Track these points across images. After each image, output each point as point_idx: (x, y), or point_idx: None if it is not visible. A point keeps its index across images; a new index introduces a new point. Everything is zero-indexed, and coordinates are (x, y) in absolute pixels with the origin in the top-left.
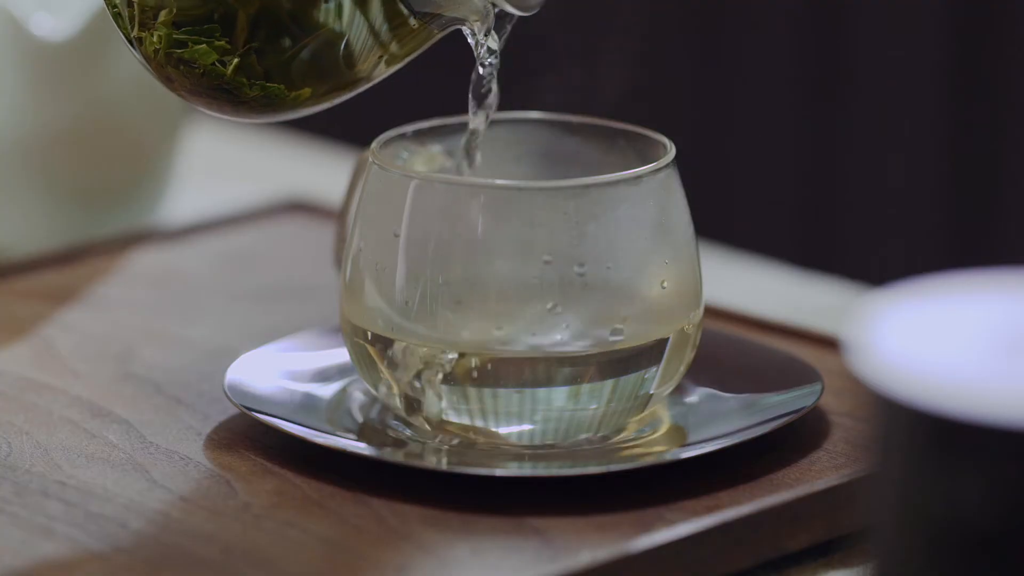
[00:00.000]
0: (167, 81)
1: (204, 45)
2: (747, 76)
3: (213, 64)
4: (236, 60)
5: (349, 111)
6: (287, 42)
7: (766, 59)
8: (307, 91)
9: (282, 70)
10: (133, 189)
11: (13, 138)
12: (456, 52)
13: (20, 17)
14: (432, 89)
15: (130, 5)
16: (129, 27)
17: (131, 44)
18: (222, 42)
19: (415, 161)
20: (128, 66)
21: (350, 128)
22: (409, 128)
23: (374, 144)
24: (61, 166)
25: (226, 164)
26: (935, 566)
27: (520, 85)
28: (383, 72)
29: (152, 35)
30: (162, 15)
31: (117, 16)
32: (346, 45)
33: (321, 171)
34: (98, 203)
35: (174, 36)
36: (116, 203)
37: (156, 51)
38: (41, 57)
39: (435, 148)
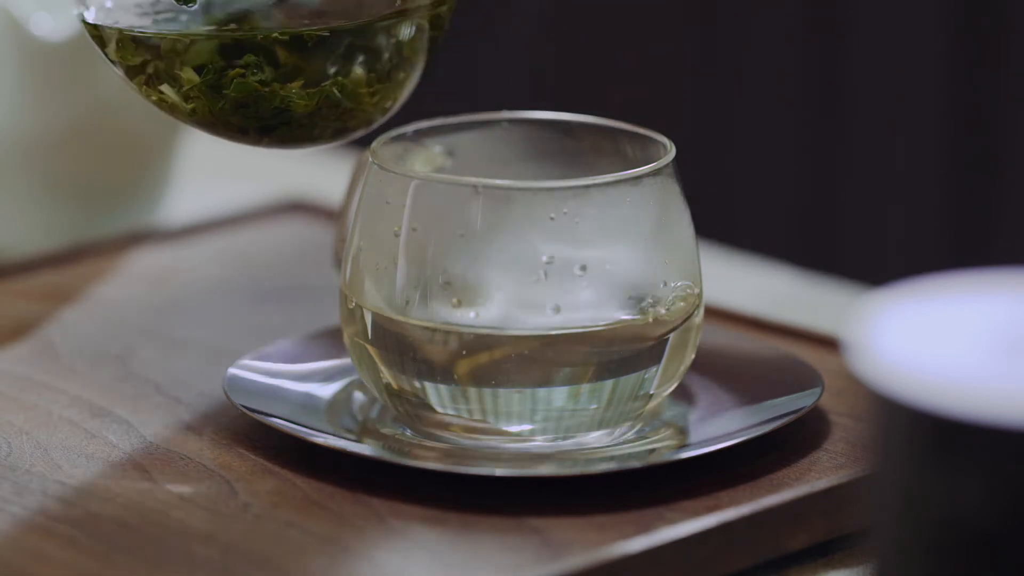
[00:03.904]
0: (229, 132)
1: (242, 77)
2: (747, 76)
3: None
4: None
5: None
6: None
7: (766, 59)
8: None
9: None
10: (133, 189)
11: (13, 138)
12: (456, 53)
13: (20, 17)
14: (432, 89)
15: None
16: (181, 99)
17: (180, 110)
18: (253, 58)
19: (415, 161)
20: None
21: None
22: (409, 128)
23: (374, 144)
24: (61, 166)
25: (226, 164)
26: (935, 566)
27: (521, 85)
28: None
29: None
30: (185, 70)
31: (161, 102)
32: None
33: (321, 171)
34: (98, 203)
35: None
36: (116, 203)
37: (193, 90)
38: (41, 57)
39: (435, 148)
